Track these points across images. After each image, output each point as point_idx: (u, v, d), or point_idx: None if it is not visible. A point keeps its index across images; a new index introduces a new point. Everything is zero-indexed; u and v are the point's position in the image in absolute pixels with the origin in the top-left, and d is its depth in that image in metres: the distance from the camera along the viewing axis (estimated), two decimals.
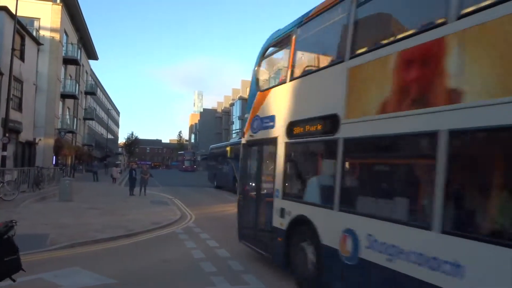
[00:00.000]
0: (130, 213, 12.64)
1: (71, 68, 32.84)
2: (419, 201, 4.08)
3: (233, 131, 62.89)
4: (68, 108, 33.28)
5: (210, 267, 6.55)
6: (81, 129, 40.60)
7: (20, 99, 21.53)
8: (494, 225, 3.29)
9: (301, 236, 5.62)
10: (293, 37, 6.32)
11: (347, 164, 5.05)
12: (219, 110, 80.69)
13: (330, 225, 4.98)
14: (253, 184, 7.43)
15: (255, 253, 7.09)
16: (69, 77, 32.38)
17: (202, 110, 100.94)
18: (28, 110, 22.85)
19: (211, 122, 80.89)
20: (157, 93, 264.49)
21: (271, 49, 7.64)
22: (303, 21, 6.13)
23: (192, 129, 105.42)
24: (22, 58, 21.47)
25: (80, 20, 31.84)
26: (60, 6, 26.45)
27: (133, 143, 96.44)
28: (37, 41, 23.81)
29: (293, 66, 6.38)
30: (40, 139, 24.45)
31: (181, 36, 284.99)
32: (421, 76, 3.88)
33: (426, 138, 3.87)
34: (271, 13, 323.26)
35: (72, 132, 32.57)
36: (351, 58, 4.89)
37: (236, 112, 62.04)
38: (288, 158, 6.18)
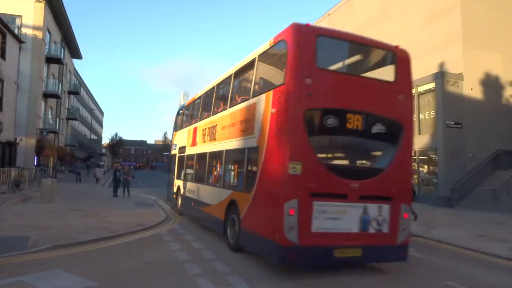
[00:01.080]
0: (114, 215, 12.51)
1: (54, 67, 32.27)
2: (210, 175, 10.51)
3: None
4: (51, 108, 32.68)
5: (195, 269, 6.54)
6: (64, 129, 39.90)
7: (1, 98, 21.05)
8: (217, 180, 9.84)
9: (178, 192, 14.01)
10: (182, 111, 15.60)
11: (188, 163, 13.08)
12: None
13: (183, 185, 13.27)
14: (172, 173, 15.62)
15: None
16: (52, 76, 31.79)
17: None
18: (9, 109, 22.36)
19: None
20: (142, 93, 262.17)
21: (180, 112, 15.97)
22: (185, 105, 15.35)
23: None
24: (3, 56, 21.01)
25: (64, 18, 31.32)
26: (43, 4, 25.97)
27: (117, 143, 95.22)
28: (19, 39, 23.34)
29: (180, 124, 15.21)
30: (21, 139, 23.93)
31: (166, 36, 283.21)
32: (207, 133, 10.81)
33: (218, 153, 9.58)
34: (256, 14, 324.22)
35: (54, 132, 31.97)
36: (188, 126, 13.41)
37: None
38: (178, 162, 14.46)
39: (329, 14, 31.25)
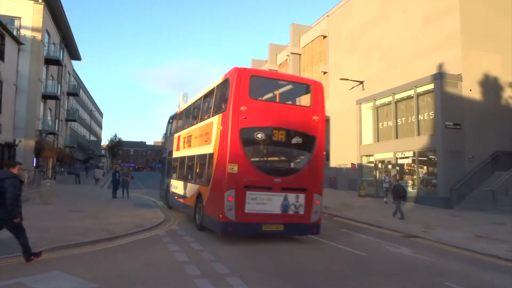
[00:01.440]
0: (113, 216, 12.50)
1: (53, 69, 32.23)
2: (187, 174, 12.89)
3: None
4: (50, 109, 32.64)
5: (194, 270, 6.53)
6: (63, 130, 39.85)
7: (0, 100, 21.03)
8: (192, 178, 12.30)
9: (168, 189, 16.00)
10: (171, 120, 18.07)
11: (174, 165, 15.27)
12: None
13: (170, 183, 15.50)
14: (163, 173, 18.20)
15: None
16: (51, 78, 31.75)
17: None
18: (8, 110, 22.33)
19: None
20: (141, 94, 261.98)
21: (170, 120, 18.46)
22: (173, 115, 17.88)
23: None
24: (2, 57, 20.98)
25: (63, 19, 31.31)
26: (42, 5, 25.96)
27: (116, 145, 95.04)
28: (17, 41, 23.32)
29: (169, 131, 18.28)
30: (20, 141, 23.90)
31: (166, 37, 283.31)
32: (186, 141, 13.56)
33: (192, 157, 12.32)
34: (256, 15, 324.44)
35: (53, 133, 31.92)
36: (174, 133, 16.12)
37: None
38: (167, 163, 16.89)
39: (328, 15, 31.30)
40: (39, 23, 25.66)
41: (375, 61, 24.61)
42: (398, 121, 21.86)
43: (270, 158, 10.01)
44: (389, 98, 22.38)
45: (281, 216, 9.11)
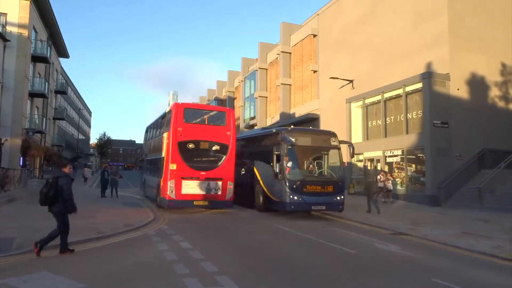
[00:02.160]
0: (102, 215, 12.39)
1: (40, 66, 31.76)
2: (154, 171, 17.50)
3: None
4: (37, 108, 32.16)
5: (183, 269, 6.51)
6: (50, 129, 39.30)
7: None
8: (156, 173, 16.87)
9: (145, 183, 21.12)
10: (147, 129, 22.50)
11: (147, 165, 20.46)
12: None
13: (146, 179, 20.42)
14: (143, 171, 22.88)
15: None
16: (38, 75, 31.28)
17: None
18: None
19: None
20: (131, 92, 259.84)
21: (147, 129, 22.51)
22: (148, 126, 22.35)
23: None
24: None
25: (50, 16, 30.84)
26: (29, 1, 25.53)
27: (105, 143, 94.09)
28: (3, 37, 22.92)
29: (146, 138, 22.61)
30: (6, 139, 23.50)
31: (156, 35, 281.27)
32: (152, 147, 19.22)
33: (155, 159, 17.39)
34: (247, 14, 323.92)
35: (41, 132, 31.47)
36: (148, 140, 21.49)
37: None
38: (144, 163, 21.97)
39: (318, 14, 31.38)
40: (25, 20, 25.25)
41: (364, 60, 24.77)
42: (387, 119, 22.06)
43: (197, 159, 14.88)
44: (378, 97, 22.57)
45: (205, 196, 14.28)
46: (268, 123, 37.31)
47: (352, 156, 16.61)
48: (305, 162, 14.22)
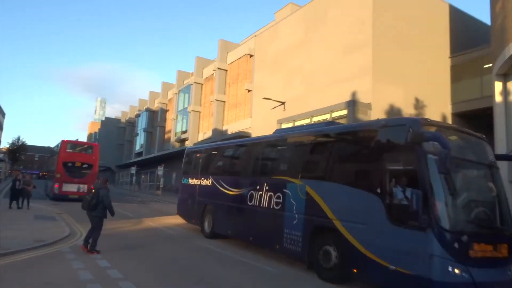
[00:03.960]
0: (7, 229, 11.15)
1: None
2: (51, 177, 27.71)
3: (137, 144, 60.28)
4: None
5: None
6: None
7: None
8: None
9: (49, 185, 29.78)
10: (55, 146, 32.58)
11: (50, 174, 31.03)
12: (123, 120, 76.39)
13: (50, 182, 29.72)
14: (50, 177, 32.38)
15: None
16: None
17: (104, 119, 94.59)
18: None
19: (113, 132, 76.18)
20: (57, 96, 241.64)
21: (56, 146, 32.92)
22: (55, 145, 32.34)
23: (91, 138, 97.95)
24: None
25: None
26: None
27: (19, 149, 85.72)
28: None
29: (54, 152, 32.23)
30: None
31: (86, 37, 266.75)
32: (53, 162, 29.48)
33: (54, 170, 26.43)
34: (185, 29, 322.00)
35: None
36: (54, 155, 30.73)
37: (141, 123, 59.57)
38: (50, 172, 33.32)
39: (255, 35, 32.28)
40: None
41: (296, 84, 25.88)
42: None
43: (73, 172, 23.96)
44: (307, 120, 23.61)
45: (77, 192, 22.87)
46: (200, 138, 37.03)
47: None
48: (465, 193, 6.99)
